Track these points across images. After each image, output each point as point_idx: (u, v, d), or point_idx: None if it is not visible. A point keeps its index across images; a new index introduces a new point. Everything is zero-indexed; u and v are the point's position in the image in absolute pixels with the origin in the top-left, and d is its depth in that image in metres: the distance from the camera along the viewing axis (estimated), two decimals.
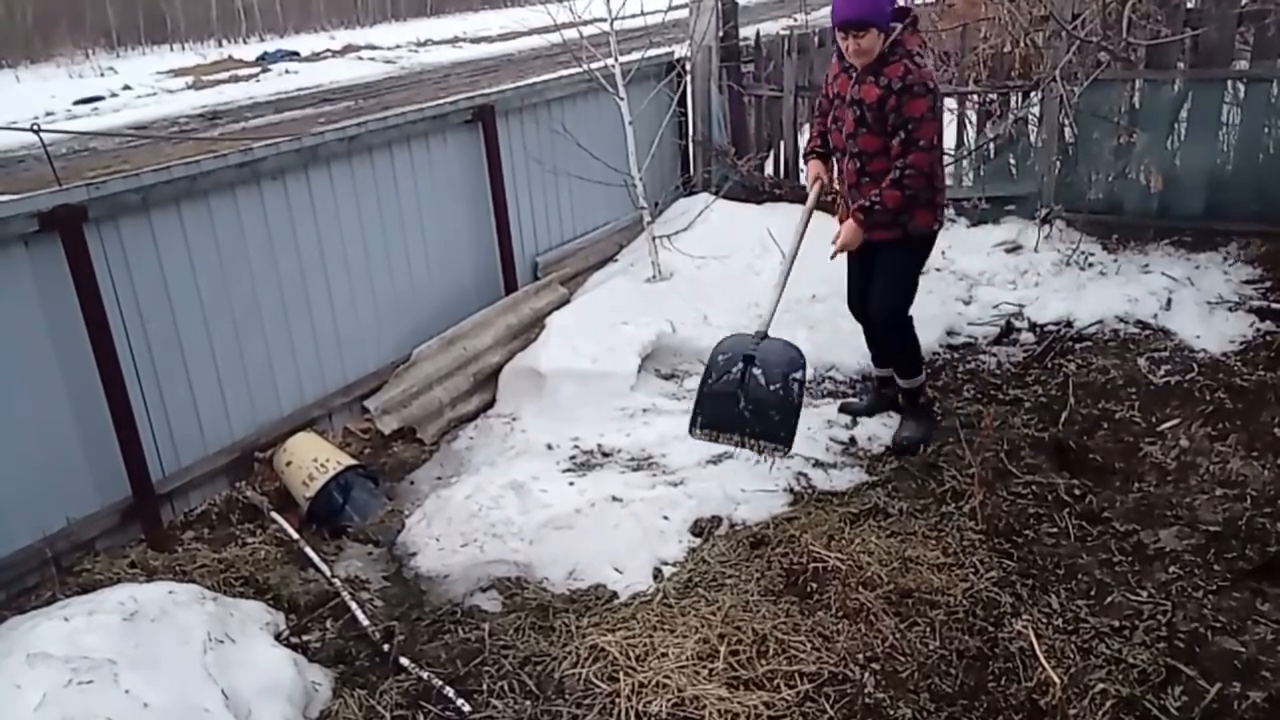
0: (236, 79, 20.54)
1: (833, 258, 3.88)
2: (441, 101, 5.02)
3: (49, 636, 2.62)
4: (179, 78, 21.58)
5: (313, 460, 3.96)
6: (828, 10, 3.94)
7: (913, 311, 4.05)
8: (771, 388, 3.47)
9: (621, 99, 5.33)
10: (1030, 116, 5.88)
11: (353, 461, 4.07)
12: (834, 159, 3.99)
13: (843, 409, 4.31)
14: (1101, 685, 2.69)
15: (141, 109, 17.29)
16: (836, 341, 4.67)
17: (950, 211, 5.96)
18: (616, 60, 5.32)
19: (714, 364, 3.59)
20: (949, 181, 6.12)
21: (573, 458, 4.14)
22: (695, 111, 6.56)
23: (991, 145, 6.05)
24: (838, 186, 4.01)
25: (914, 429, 4.04)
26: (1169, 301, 4.94)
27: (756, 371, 3.48)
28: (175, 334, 3.73)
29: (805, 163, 4.17)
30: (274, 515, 3.83)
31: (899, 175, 3.65)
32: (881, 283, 3.95)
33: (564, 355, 4.59)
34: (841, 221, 3.93)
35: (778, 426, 3.46)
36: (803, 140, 6.48)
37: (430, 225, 4.81)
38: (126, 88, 20.07)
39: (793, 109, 6.40)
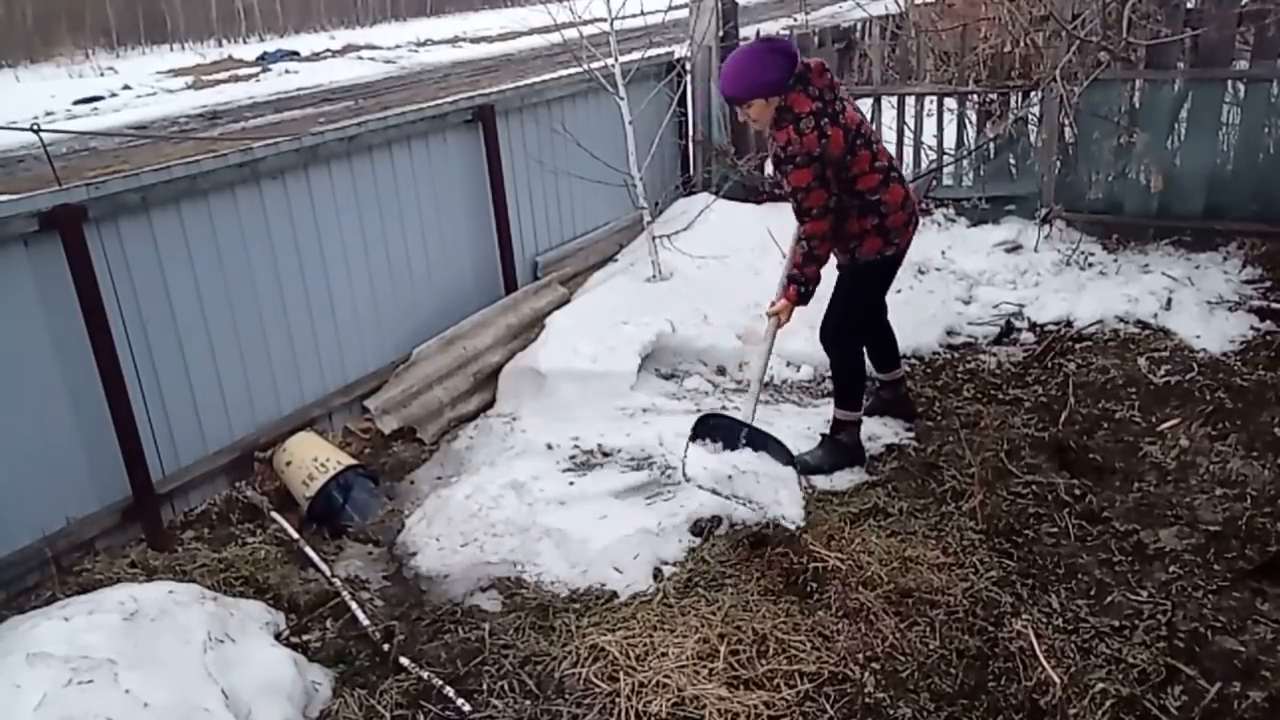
0: (236, 79, 20.55)
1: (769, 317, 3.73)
2: (441, 101, 5.02)
3: (49, 636, 2.61)
4: (179, 77, 21.59)
5: (313, 460, 3.96)
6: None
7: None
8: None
9: (621, 99, 5.33)
10: (1030, 116, 5.88)
11: (353, 461, 4.07)
12: None
13: None
14: (1101, 685, 2.69)
15: (141, 109, 17.29)
16: None
17: (950, 211, 5.97)
18: (616, 60, 5.32)
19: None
20: (948, 181, 6.16)
21: (573, 457, 4.14)
22: (695, 111, 6.56)
23: (991, 145, 6.05)
24: None
25: (817, 456, 3.90)
26: (1169, 301, 4.95)
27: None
28: (175, 334, 3.73)
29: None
30: (274, 515, 3.83)
31: (806, 249, 3.61)
32: (829, 304, 3.91)
33: (564, 355, 4.59)
34: None
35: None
36: None
37: (430, 225, 4.81)
38: (126, 87, 20.09)
39: None
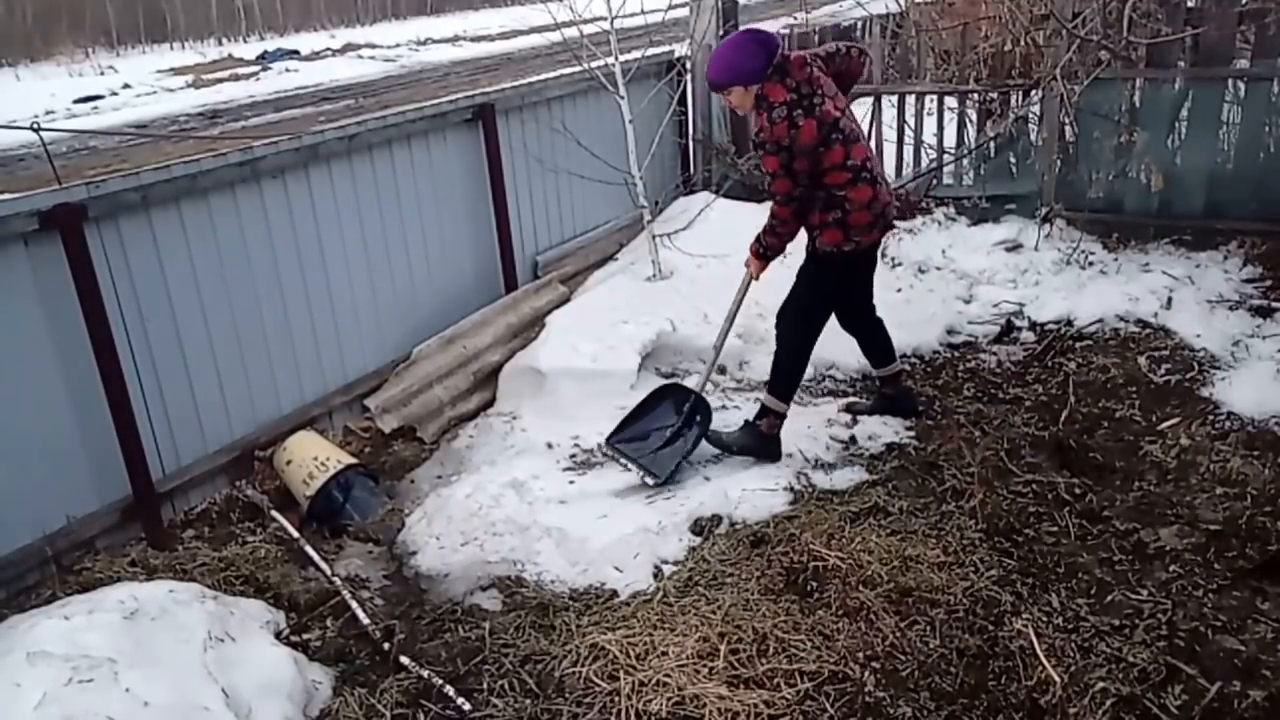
0: (236, 77, 20.53)
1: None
2: (441, 100, 5.01)
3: (49, 635, 2.61)
4: (179, 76, 21.57)
5: (313, 459, 3.96)
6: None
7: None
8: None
9: (622, 98, 5.32)
10: (1031, 115, 5.88)
11: (353, 460, 4.07)
12: None
13: (848, 409, 4.33)
14: (1102, 684, 2.69)
15: (141, 108, 17.27)
16: (836, 341, 4.67)
17: (950, 210, 5.97)
18: (617, 59, 5.32)
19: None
20: (949, 180, 6.16)
21: (573, 456, 4.14)
22: (695, 110, 6.56)
23: (992, 144, 6.04)
24: None
25: (731, 435, 4.00)
26: (1169, 300, 4.94)
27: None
28: (175, 333, 3.73)
29: None
30: (274, 514, 3.83)
31: (770, 224, 3.82)
32: (791, 289, 4.00)
33: (564, 354, 4.59)
34: None
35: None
36: None
37: (430, 224, 4.81)
38: (126, 86, 20.06)
39: None
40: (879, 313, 4.25)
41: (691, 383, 4.22)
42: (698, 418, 4.02)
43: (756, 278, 4.01)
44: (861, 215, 3.74)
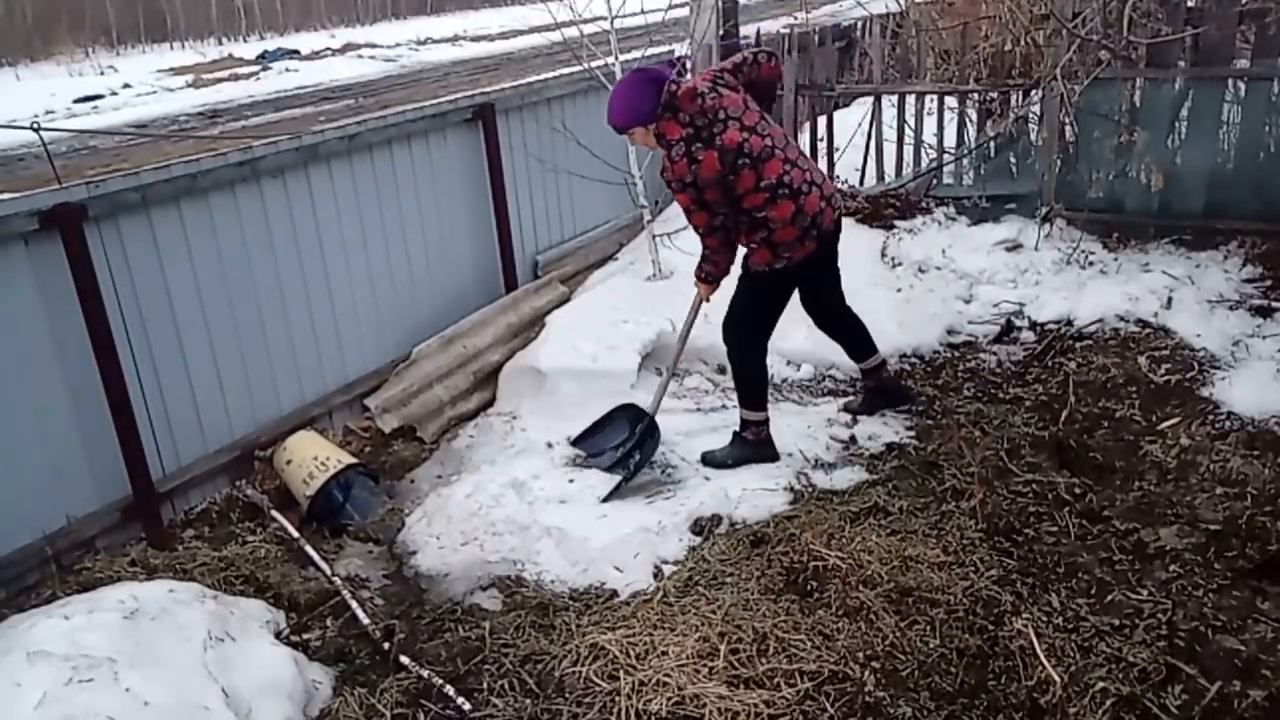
0: (236, 77, 20.55)
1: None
2: (441, 100, 5.02)
3: (49, 635, 2.62)
4: (179, 76, 21.58)
5: (313, 459, 3.96)
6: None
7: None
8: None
9: None
10: (1031, 115, 5.87)
11: (353, 460, 4.07)
12: None
13: (847, 409, 4.32)
14: (1102, 684, 2.69)
15: (141, 107, 17.28)
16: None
17: (950, 210, 5.97)
18: (617, 58, 5.32)
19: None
20: (949, 180, 6.16)
21: (573, 456, 4.14)
22: None
23: (992, 144, 6.04)
24: None
25: (724, 451, 4.00)
26: (1169, 300, 4.94)
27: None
28: (175, 333, 3.73)
29: None
30: (274, 514, 3.84)
31: (704, 253, 3.81)
32: (730, 303, 3.98)
33: (564, 354, 4.59)
34: None
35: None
36: (803, 139, 6.49)
37: (430, 223, 4.81)
38: (126, 86, 20.07)
39: (793, 107, 6.40)
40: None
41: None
42: (649, 439, 4.01)
43: (708, 299, 3.99)
44: (787, 231, 3.67)
